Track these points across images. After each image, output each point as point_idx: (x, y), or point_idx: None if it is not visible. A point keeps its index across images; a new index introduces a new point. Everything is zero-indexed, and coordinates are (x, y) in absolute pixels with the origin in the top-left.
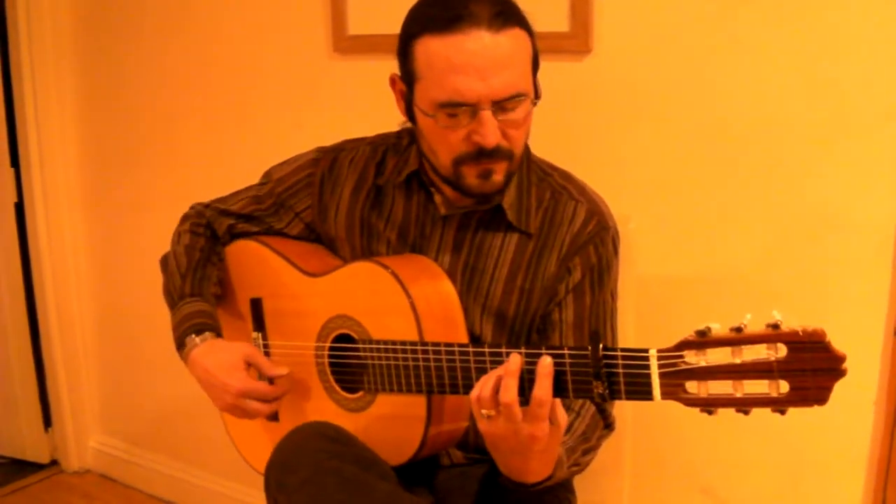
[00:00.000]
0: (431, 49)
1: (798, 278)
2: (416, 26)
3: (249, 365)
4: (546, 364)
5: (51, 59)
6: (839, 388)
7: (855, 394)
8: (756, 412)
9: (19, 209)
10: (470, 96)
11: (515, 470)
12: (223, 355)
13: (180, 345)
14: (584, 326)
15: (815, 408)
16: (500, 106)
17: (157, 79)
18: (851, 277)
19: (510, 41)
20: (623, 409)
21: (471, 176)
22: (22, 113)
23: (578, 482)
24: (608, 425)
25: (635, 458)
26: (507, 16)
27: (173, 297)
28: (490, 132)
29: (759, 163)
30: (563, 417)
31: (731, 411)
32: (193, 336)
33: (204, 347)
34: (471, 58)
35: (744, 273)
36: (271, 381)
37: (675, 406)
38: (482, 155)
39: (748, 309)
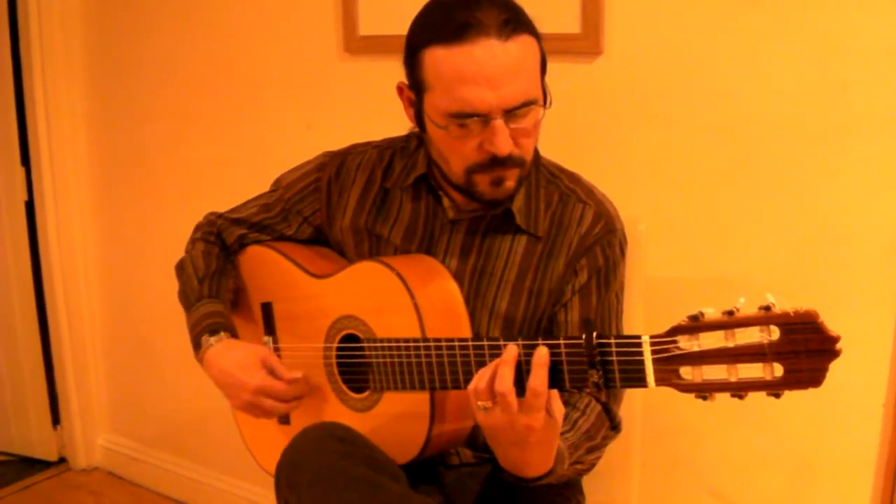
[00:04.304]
0: (440, 59)
1: (807, 279)
2: (423, 36)
3: (266, 367)
4: (541, 354)
5: (61, 58)
6: (848, 391)
7: (864, 395)
8: (754, 411)
9: (29, 208)
10: (481, 106)
11: (515, 463)
12: (239, 353)
13: (196, 346)
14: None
15: (823, 409)
16: (512, 114)
17: (166, 78)
18: (861, 278)
19: (519, 49)
20: (632, 410)
21: (483, 183)
22: (32, 112)
23: (587, 483)
24: (614, 426)
25: (644, 459)
26: (516, 23)
27: (189, 300)
28: (503, 141)
29: (769, 164)
30: (559, 409)
31: (727, 398)
32: (208, 336)
33: (219, 347)
34: (481, 67)
35: (753, 274)
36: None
37: (683, 406)
38: (495, 163)
39: (758, 303)
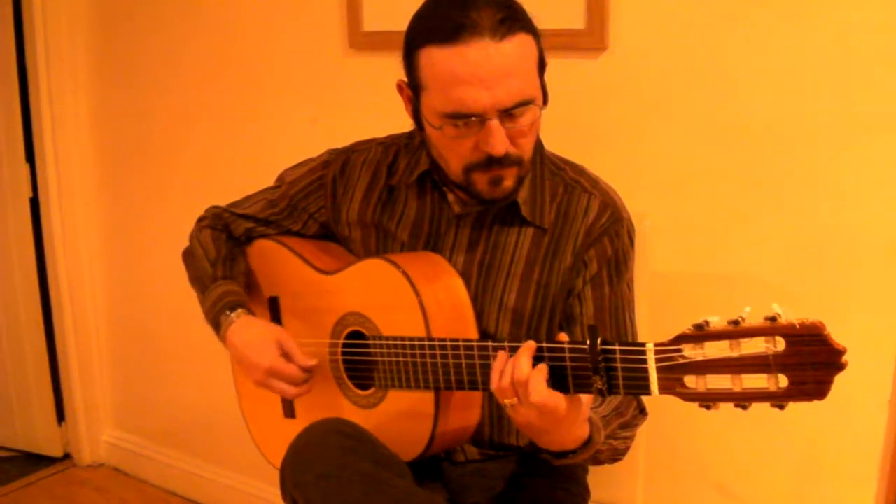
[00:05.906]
0: (435, 60)
1: (812, 276)
2: (420, 36)
3: (282, 349)
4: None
5: (66, 55)
6: (853, 387)
7: (869, 392)
8: (759, 409)
9: (34, 204)
10: (475, 107)
11: (552, 444)
12: (254, 332)
13: (216, 325)
14: (605, 318)
15: (828, 405)
16: (508, 114)
17: (171, 74)
18: (867, 274)
19: (514, 48)
20: None
21: (481, 182)
22: (37, 109)
23: (592, 480)
24: (642, 409)
25: (649, 456)
26: (511, 22)
27: (203, 282)
28: (499, 141)
29: (774, 161)
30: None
31: (731, 407)
32: (228, 312)
33: (238, 325)
34: (475, 68)
35: (758, 271)
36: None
37: (689, 403)
38: (492, 163)
39: (763, 308)
